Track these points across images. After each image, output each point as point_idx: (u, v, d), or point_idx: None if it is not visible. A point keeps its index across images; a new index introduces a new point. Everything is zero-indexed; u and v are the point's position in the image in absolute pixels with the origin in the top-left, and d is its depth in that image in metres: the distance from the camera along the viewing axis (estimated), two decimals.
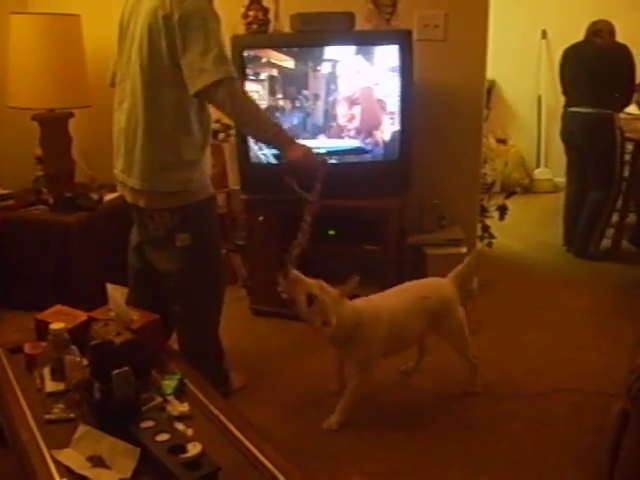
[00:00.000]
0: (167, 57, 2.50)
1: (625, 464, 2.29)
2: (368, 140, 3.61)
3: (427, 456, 2.60)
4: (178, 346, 2.88)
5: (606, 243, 4.98)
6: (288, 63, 3.53)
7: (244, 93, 2.68)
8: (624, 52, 4.64)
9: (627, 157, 4.94)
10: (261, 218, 3.69)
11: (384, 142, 3.59)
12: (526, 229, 5.51)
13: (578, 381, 3.10)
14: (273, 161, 3.60)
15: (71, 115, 4.06)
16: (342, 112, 3.59)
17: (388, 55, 3.48)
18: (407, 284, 2.99)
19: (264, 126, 2.64)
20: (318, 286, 2.69)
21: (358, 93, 3.56)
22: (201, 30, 2.44)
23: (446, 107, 3.87)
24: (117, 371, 1.97)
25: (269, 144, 2.93)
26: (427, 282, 3.07)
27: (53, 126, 4.03)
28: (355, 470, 2.18)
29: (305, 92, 3.58)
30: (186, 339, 2.92)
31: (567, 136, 4.97)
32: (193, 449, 1.78)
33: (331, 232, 3.69)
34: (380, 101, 3.56)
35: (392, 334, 2.79)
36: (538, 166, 6.97)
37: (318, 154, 2.86)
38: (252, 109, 2.64)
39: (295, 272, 2.72)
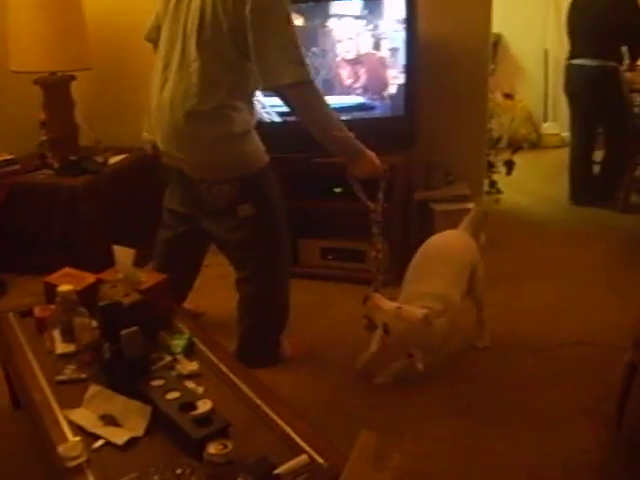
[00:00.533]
0: (229, 40, 2.47)
1: (632, 414, 2.31)
2: (375, 96, 3.58)
3: (434, 410, 2.61)
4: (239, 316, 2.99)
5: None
6: (297, 20, 3.48)
7: (317, 98, 2.54)
8: (633, 2, 4.57)
9: (636, 110, 4.91)
10: None
11: (390, 97, 3.56)
12: (534, 184, 5.48)
13: (586, 334, 3.10)
14: (277, 119, 3.58)
15: (73, 78, 4.03)
16: (349, 69, 3.56)
17: (394, 7, 3.44)
18: (433, 245, 2.91)
19: (337, 132, 2.57)
20: (395, 313, 2.53)
21: (363, 56, 3.54)
22: (279, 24, 2.41)
23: (451, 62, 3.82)
24: (126, 331, 1.98)
25: (344, 153, 2.71)
26: (452, 238, 2.97)
27: (55, 89, 4.01)
28: (365, 424, 2.19)
29: (314, 49, 3.55)
30: (254, 306, 2.95)
31: (571, 90, 4.93)
32: (203, 406, 1.80)
33: (337, 190, 3.68)
34: (384, 59, 3.53)
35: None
36: (545, 121, 6.92)
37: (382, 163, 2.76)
38: (323, 115, 2.56)
39: (376, 296, 2.62)
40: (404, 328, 2.51)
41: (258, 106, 3.52)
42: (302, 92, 2.47)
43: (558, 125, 6.75)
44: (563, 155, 5.47)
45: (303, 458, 1.68)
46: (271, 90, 2.54)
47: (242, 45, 2.46)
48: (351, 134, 2.62)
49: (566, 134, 6.23)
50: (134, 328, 1.99)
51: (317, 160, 3.54)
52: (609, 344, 2.95)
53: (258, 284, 2.90)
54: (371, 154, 2.68)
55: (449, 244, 2.91)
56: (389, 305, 2.56)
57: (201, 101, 2.54)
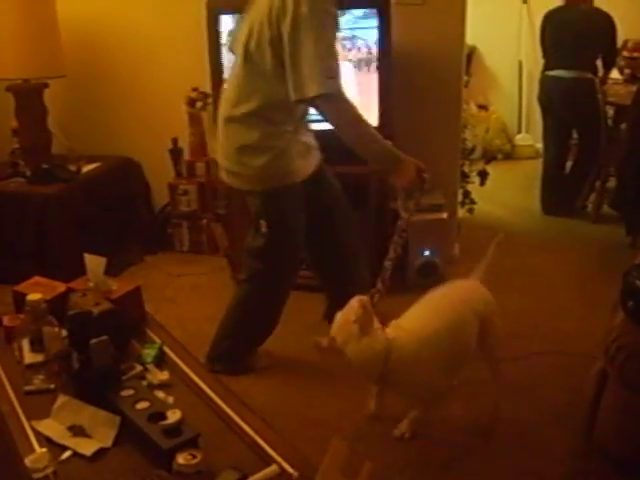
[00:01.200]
0: (269, 50, 2.50)
1: (604, 421, 2.33)
2: None
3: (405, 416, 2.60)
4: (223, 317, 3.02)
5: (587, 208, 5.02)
6: None
7: (347, 110, 2.52)
8: (607, 16, 4.64)
9: (608, 122, 4.97)
10: None
11: (364, 108, 3.55)
12: (507, 195, 5.52)
13: (558, 344, 3.13)
14: None
15: (46, 85, 4.00)
16: None
17: (368, 19, 3.45)
18: (436, 293, 2.54)
19: (370, 142, 2.56)
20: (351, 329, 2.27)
21: None
22: (314, 33, 2.40)
23: (426, 73, 3.84)
24: (95, 340, 1.95)
25: (381, 163, 2.72)
26: (460, 285, 2.64)
27: (28, 97, 3.98)
28: (337, 434, 2.19)
29: None
30: (239, 310, 3.00)
31: (546, 101, 4.98)
32: (173, 416, 1.77)
33: None
34: (358, 70, 3.53)
35: (446, 357, 2.38)
36: (519, 132, 6.97)
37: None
38: (354, 127, 2.53)
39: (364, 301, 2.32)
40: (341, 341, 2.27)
41: None
42: (330, 104, 2.47)
43: (532, 136, 6.80)
44: (537, 166, 5.53)
45: (273, 468, 1.67)
46: (300, 102, 2.53)
47: (280, 56, 2.48)
48: (387, 143, 2.61)
49: (540, 145, 6.28)
50: (103, 337, 1.97)
51: None
52: (581, 353, 2.98)
53: (249, 292, 2.96)
54: (411, 162, 2.60)
55: (454, 288, 2.62)
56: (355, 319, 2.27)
57: (235, 106, 2.63)
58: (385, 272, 2.65)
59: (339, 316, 2.33)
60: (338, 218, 3.02)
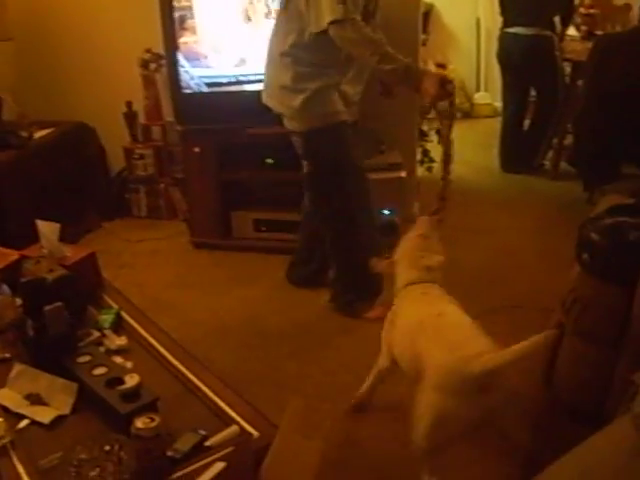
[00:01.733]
0: None
1: (560, 372, 2.37)
2: None
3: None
4: None
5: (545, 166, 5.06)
6: None
7: (359, 34, 2.56)
8: None
9: (566, 79, 4.98)
10: (197, 149, 3.62)
11: None
12: (466, 153, 5.51)
13: (518, 299, 3.16)
14: (205, 90, 3.52)
15: None
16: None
17: None
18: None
19: (388, 62, 2.57)
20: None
21: None
22: None
23: (382, 31, 3.78)
24: (49, 307, 1.93)
25: (401, 81, 2.72)
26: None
27: None
28: (298, 395, 2.21)
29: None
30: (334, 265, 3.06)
31: (505, 58, 4.96)
32: (131, 381, 1.76)
33: (269, 161, 3.64)
34: None
35: None
36: (478, 90, 6.96)
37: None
38: (369, 50, 2.57)
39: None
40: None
41: (186, 77, 3.48)
42: (342, 30, 2.53)
43: (490, 95, 6.80)
44: (495, 124, 5.53)
45: (234, 429, 1.66)
46: (321, 34, 2.58)
47: None
48: (406, 60, 2.61)
49: (498, 104, 6.28)
50: (58, 304, 1.94)
51: (249, 131, 3.50)
52: (540, 307, 3.01)
53: (326, 239, 3.02)
54: (433, 75, 2.64)
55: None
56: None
57: (274, 47, 2.79)
58: (442, 190, 2.76)
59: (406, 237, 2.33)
60: None
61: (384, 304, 2.92)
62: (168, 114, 4.05)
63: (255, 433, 1.66)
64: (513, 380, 1.84)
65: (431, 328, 2.00)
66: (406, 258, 2.26)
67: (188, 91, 3.55)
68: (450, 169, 2.73)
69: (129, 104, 4.20)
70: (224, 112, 3.49)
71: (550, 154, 5.07)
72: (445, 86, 2.60)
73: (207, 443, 1.61)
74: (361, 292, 3.06)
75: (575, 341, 2.29)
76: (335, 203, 2.90)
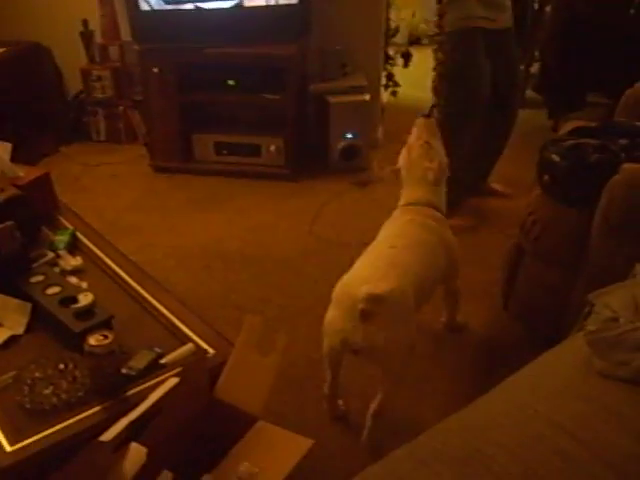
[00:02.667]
0: None
1: (519, 294, 2.39)
2: None
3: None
4: None
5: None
6: None
7: None
8: None
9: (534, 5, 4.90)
10: (156, 69, 3.51)
11: None
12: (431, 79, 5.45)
13: (480, 221, 3.17)
14: (164, 7, 3.40)
15: None
16: None
17: None
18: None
19: None
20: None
21: None
22: None
23: None
24: (0, 226, 1.87)
25: None
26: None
27: None
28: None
29: None
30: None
31: None
32: (84, 299, 1.73)
33: (231, 82, 3.55)
34: None
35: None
36: None
37: None
38: None
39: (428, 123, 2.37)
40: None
41: None
42: None
43: None
44: None
45: (189, 347, 1.65)
46: None
47: None
48: None
49: None
50: (8, 223, 1.88)
51: (209, 50, 3.40)
52: (501, 231, 3.03)
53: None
54: None
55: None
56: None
57: None
58: (436, 84, 2.95)
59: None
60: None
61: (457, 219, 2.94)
62: (126, 33, 3.90)
63: (211, 351, 1.65)
64: (401, 327, 1.88)
65: (370, 254, 2.06)
66: (411, 171, 2.26)
67: (146, 8, 3.43)
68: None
69: (85, 22, 4.05)
70: (183, 31, 3.39)
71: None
72: None
73: (162, 361, 1.60)
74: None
75: (534, 263, 2.30)
76: (447, 108, 3.00)
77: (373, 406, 1.94)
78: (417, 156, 2.25)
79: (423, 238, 2.12)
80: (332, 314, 1.92)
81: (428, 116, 2.49)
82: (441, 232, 2.18)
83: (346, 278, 1.94)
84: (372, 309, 1.79)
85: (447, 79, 3.01)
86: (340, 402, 2.12)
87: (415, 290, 1.94)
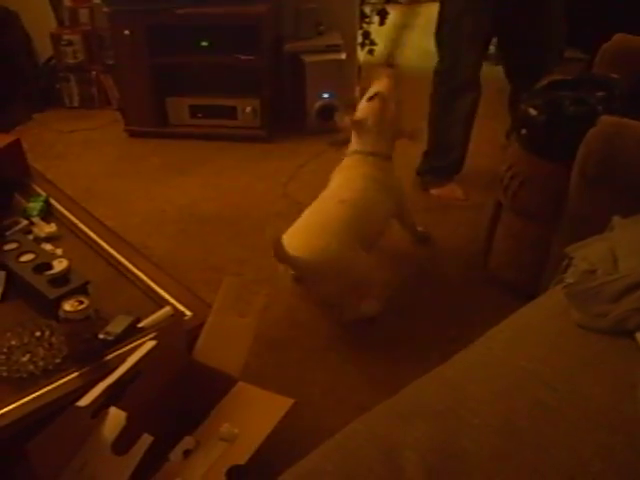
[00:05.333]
0: None
1: (498, 250, 2.40)
2: None
3: None
4: None
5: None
6: None
7: None
8: None
9: None
10: (127, 32, 3.44)
11: None
12: (410, 38, 5.40)
13: (460, 181, 3.15)
14: None
15: None
16: None
17: None
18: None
19: None
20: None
21: None
22: None
23: None
24: None
25: None
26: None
27: None
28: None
29: None
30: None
31: None
32: (59, 266, 1.71)
33: (204, 43, 3.49)
34: None
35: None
36: None
37: None
38: None
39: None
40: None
41: None
42: None
43: None
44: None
45: (167, 310, 1.64)
46: None
47: None
48: None
49: None
50: None
51: (180, 11, 3.33)
52: (479, 185, 3.03)
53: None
54: None
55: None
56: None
57: None
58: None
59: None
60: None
61: (453, 186, 3.06)
62: None
63: (188, 313, 1.64)
64: (335, 283, 2.04)
65: (316, 207, 2.21)
66: (362, 124, 2.35)
67: None
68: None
69: None
70: None
71: (495, 39, 4.97)
72: None
73: (140, 325, 1.59)
74: (437, 165, 3.09)
75: (513, 219, 2.30)
76: (438, 64, 3.04)
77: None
78: (365, 106, 2.38)
79: (367, 190, 2.24)
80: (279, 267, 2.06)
81: (390, 66, 2.55)
82: (383, 180, 2.30)
83: (288, 232, 2.06)
84: (300, 274, 1.97)
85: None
86: None
87: (360, 239, 2.11)
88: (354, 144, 2.39)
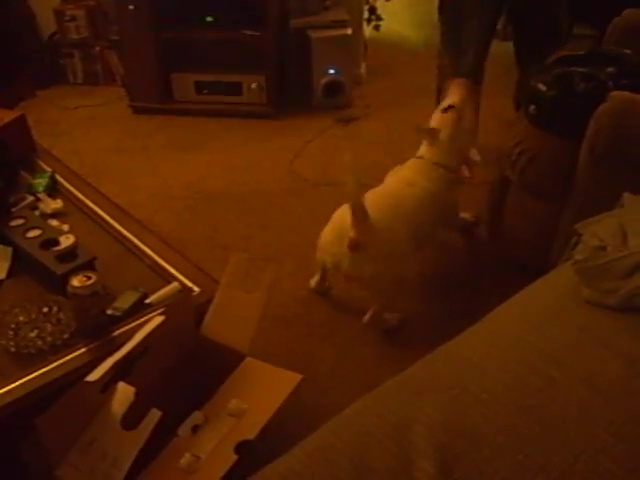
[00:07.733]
0: None
1: (506, 226, 2.39)
2: None
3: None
4: None
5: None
6: None
7: None
8: None
9: None
10: (132, 7, 3.41)
11: None
12: (415, 12, 5.34)
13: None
14: None
15: None
16: None
17: None
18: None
19: None
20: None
21: None
22: None
23: None
24: None
25: None
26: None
27: None
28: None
29: None
30: None
31: None
32: (66, 241, 1.71)
33: (209, 19, 3.46)
34: None
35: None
36: None
37: None
38: None
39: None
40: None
41: None
42: None
43: None
44: None
45: (175, 286, 1.64)
46: None
47: None
48: None
49: None
50: None
51: None
52: (485, 162, 3.00)
53: None
54: None
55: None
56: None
57: None
58: None
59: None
60: None
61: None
62: None
63: (196, 289, 1.64)
64: (390, 263, 2.02)
65: (384, 188, 2.20)
66: (434, 133, 2.29)
67: None
68: None
69: None
70: None
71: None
72: None
73: (148, 300, 1.59)
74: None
75: (520, 194, 2.29)
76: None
77: (366, 317, 2.14)
78: (439, 117, 2.32)
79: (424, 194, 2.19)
80: (326, 235, 2.07)
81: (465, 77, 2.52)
82: (437, 192, 2.22)
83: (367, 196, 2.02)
84: (361, 240, 1.81)
85: None
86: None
87: (414, 230, 2.06)
88: (422, 150, 2.31)
